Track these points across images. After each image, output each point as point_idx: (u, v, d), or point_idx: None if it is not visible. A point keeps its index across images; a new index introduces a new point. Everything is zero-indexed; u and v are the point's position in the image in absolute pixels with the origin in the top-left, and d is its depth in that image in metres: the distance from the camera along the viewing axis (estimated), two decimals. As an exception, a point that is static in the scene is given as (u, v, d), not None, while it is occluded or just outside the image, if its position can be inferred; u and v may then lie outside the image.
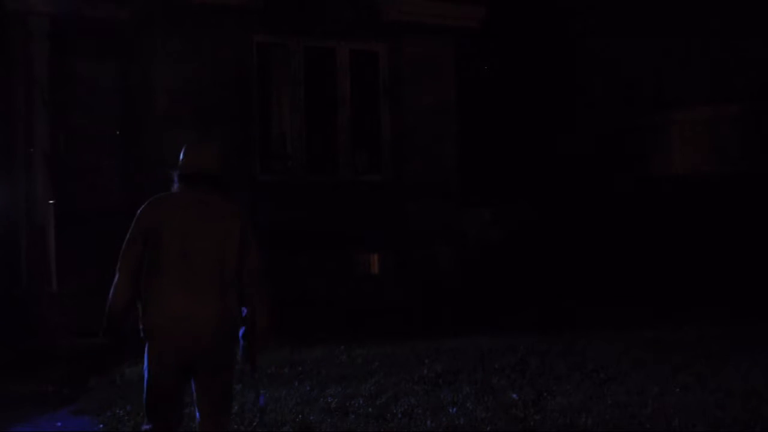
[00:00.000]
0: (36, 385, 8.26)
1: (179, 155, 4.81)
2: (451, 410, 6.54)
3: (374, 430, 6.22)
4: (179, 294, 4.49)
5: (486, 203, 15.56)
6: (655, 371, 7.71)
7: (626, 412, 6.36)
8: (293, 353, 8.88)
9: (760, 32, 14.36)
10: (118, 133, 11.17)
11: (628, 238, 14.49)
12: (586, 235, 14.84)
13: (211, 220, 4.64)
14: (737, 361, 7.95)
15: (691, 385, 7.14)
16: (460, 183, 12.94)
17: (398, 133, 12.41)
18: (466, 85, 14.51)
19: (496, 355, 8.51)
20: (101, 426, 6.61)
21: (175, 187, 4.76)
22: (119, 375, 8.26)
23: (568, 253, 14.46)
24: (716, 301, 11.73)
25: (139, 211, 4.67)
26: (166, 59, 10.94)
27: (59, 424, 6.90)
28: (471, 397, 6.89)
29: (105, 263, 5.83)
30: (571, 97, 16.53)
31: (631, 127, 15.97)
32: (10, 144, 10.80)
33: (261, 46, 11.72)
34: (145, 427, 4.64)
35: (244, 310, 4.66)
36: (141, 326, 4.56)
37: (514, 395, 6.89)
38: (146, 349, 4.58)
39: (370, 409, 6.65)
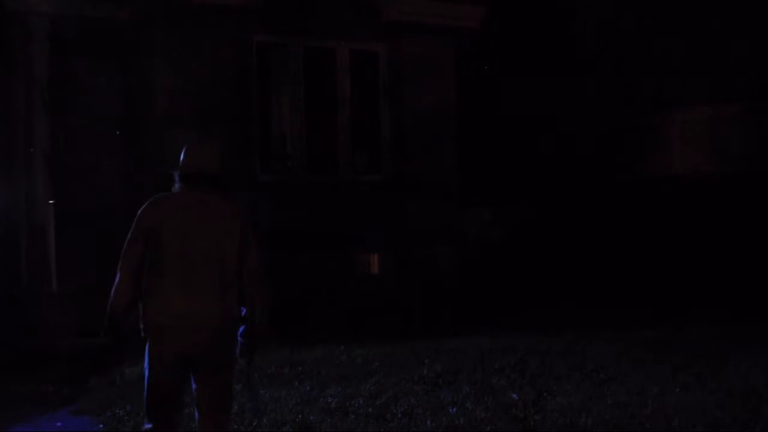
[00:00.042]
0: (36, 385, 8.26)
1: (179, 155, 4.82)
2: (451, 410, 6.54)
3: (374, 430, 6.22)
4: (180, 294, 4.50)
5: (486, 203, 15.56)
6: (655, 371, 7.71)
7: (626, 412, 6.36)
8: (293, 353, 8.89)
9: (760, 32, 14.36)
10: (118, 133, 11.17)
11: (628, 238, 14.49)
12: (586, 235, 14.84)
13: (211, 220, 4.65)
14: (737, 361, 7.95)
15: (691, 385, 7.14)
16: (460, 183, 12.94)
17: (398, 133, 12.41)
18: (466, 85, 14.51)
19: (495, 355, 8.51)
20: (101, 426, 6.61)
21: (176, 187, 4.78)
22: (119, 375, 8.26)
23: (568, 253, 14.46)
24: (716, 301, 11.73)
25: (139, 211, 4.67)
26: (166, 59, 10.93)
27: (59, 424, 6.90)
28: (471, 397, 6.89)
29: (105, 263, 5.84)
30: (570, 97, 16.52)
31: (631, 127, 15.97)
32: (10, 144, 10.79)
33: (261, 46, 11.72)
34: (146, 426, 4.65)
35: (244, 310, 4.67)
36: (142, 325, 4.57)
37: (514, 395, 6.90)
38: (147, 348, 4.60)
39: (370, 409, 6.65)
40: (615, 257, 14.14)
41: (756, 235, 13.40)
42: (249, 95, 11.52)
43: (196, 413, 4.71)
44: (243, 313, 4.67)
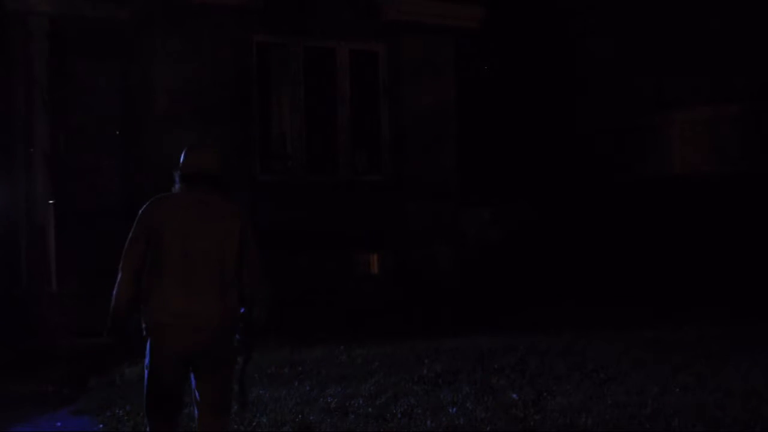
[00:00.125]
0: (36, 385, 8.26)
1: (179, 155, 4.83)
2: (450, 410, 6.54)
3: (374, 430, 6.22)
4: (180, 293, 4.52)
5: (486, 203, 15.56)
6: (655, 371, 7.71)
7: (626, 412, 6.36)
8: (293, 353, 8.89)
9: (760, 32, 14.36)
10: (118, 133, 11.17)
11: (628, 238, 14.49)
12: (585, 235, 14.84)
13: (211, 220, 4.66)
14: (737, 361, 7.95)
15: (691, 385, 7.13)
16: (460, 183, 12.95)
17: (398, 133, 12.42)
18: (466, 85, 14.51)
19: (495, 355, 8.51)
20: (101, 426, 6.61)
21: (176, 187, 4.78)
22: (119, 375, 8.26)
23: (567, 253, 14.47)
24: (716, 301, 11.73)
25: (140, 211, 4.69)
26: (166, 59, 10.93)
27: (59, 424, 6.90)
28: (471, 397, 6.89)
29: (105, 263, 5.84)
30: (570, 97, 16.52)
31: (631, 127, 15.96)
32: (10, 144, 10.79)
33: (261, 46, 11.72)
34: (148, 427, 4.67)
35: (243, 310, 4.68)
36: (143, 324, 4.59)
37: (514, 395, 6.90)
38: (148, 346, 4.61)
39: (369, 409, 6.65)
40: (615, 257, 14.14)
41: (756, 235, 13.40)
42: (249, 95, 11.53)
43: (196, 412, 4.73)
44: (242, 312, 4.68)
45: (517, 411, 6.46)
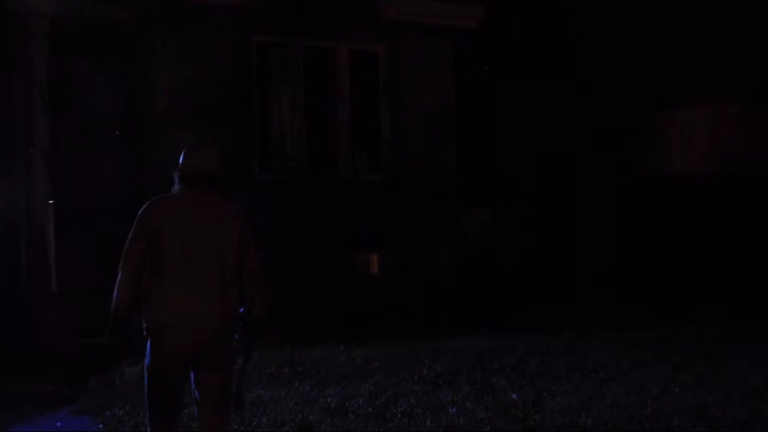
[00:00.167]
0: (36, 385, 8.27)
1: (179, 155, 4.83)
2: (450, 410, 6.53)
3: (374, 430, 6.22)
4: (180, 293, 4.53)
5: (486, 203, 15.54)
6: (655, 371, 7.71)
7: (626, 412, 6.36)
8: (293, 353, 8.89)
9: (760, 32, 14.36)
10: (118, 133, 11.17)
11: (627, 238, 14.49)
12: (585, 235, 14.84)
13: (211, 221, 4.66)
14: (737, 361, 7.95)
15: (691, 385, 7.13)
16: (460, 183, 12.94)
17: (398, 133, 12.42)
18: (466, 85, 14.50)
19: (495, 355, 8.51)
20: (101, 426, 6.61)
21: (176, 188, 4.78)
22: (119, 375, 8.26)
23: (567, 253, 14.46)
24: (716, 301, 11.73)
25: (140, 212, 4.69)
26: (166, 59, 10.94)
27: (59, 424, 6.91)
28: (471, 397, 6.89)
29: (105, 263, 5.84)
30: (570, 97, 16.52)
31: (631, 127, 15.96)
32: (10, 144, 10.79)
33: (261, 46, 11.72)
34: (149, 427, 4.68)
35: (242, 309, 4.69)
36: (144, 324, 4.59)
37: (514, 395, 6.89)
38: (148, 346, 4.62)
39: (369, 409, 6.65)
40: (614, 257, 14.14)
41: (756, 235, 13.40)
42: (249, 95, 11.53)
43: (196, 411, 4.74)
44: (242, 312, 4.69)
45: (517, 411, 6.46)
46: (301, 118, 11.90)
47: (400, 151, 12.40)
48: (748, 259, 13.07)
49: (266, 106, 11.97)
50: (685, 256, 13.59)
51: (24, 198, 10.62)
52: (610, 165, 15.86)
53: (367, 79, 12.37)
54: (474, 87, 15.68)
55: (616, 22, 16.21)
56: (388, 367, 8.18)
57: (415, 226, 12.28)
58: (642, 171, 15.53)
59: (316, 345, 9.36)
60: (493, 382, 7.40)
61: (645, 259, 13.91)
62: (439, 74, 12.68)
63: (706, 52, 14.89)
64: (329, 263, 11.64)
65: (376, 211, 12.05)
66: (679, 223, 14.23)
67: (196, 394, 4.70)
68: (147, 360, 4.62)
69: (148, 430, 4.71)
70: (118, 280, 4.60)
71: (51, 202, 10.43)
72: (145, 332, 4.61)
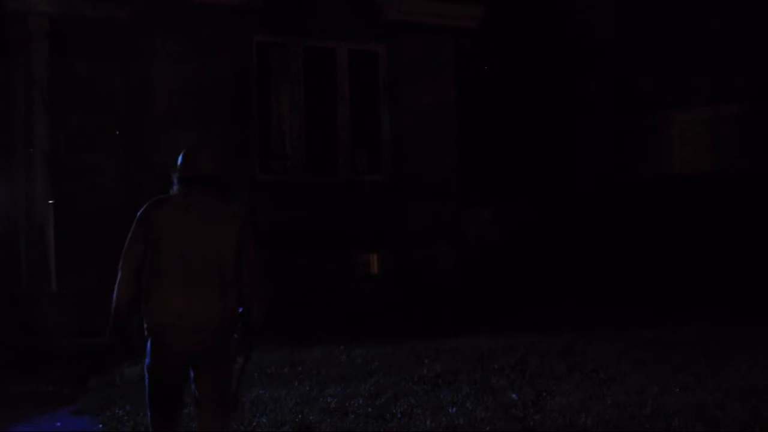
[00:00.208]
0: (36, 385, 8.26)
1: (179, 155, 4.82)
2: (450, 410, 6.54)
3: (374, 430, 6.22)
4: (180, 294, 4.54)
5: (486, 203, 15.55)
6: (654, 371, 7.71)
7: (626, 412, 6.36)
8: (293, 353, 8.89)
9: (760, 32, 14.36)
10: (118, 133, 11.16)
11: (628, 237, 14.49)
12: (585, 235, 14.84)
13: (210, 221, 4.67)
14: (737, 361, 7.94)
15: (691, 385, 7.13)
16: (460, 183, 12.94)
17: (398, 133, 12.42)
18: (466, 85, 14.51)
19: (495, 355, 8.51)
20: (101, 426, 6.61)
21: (175, 188, 4.78)
22: (119, 375, 8.26)
23: (567, 253, 14.46)
24: (716, 301, 11.73)
25: (139, 213, 4.69)
26: (166, 59, 10.93)
27: (59, 424, 6.91)
28: (470, 397, 6.89)
29: (105, 263, 5.84)
30: (570, 97, 16.52)
31: (631, 127, 15.98)
32: (10, 144, 10.79)
33: (261, 46, 11.72)
34: (150, 427, 4.69)
35: (242, 309, 4.69)
36: (145, 324, 4.60)
37: (514, 395, 6.90)
38: (148, 346, 4.62)
39: (369, 409, 6.65)
40: (615, 257, 14.14)
41: (756, 235, 13.40)
42: (249, 95, 11.53)
43: (196, 411, 4.75)
44: (241, 312, 4.69)
45: (516, 411, 6.46)
46: (301, 118, 11.90)
47: (400, 151, 12.40)
48: (748, 259, 13.07)
49: (266, 106, 11.97)
50: (685, 256, 13.59)
51: (24, 198, 10.62)
52: (610, 165, 15.87)
53: (367, 79, 12.37)
54: (474, 87, 15.69)
55: (615, 22, 16.22)
56: (388, 367, 8.18)
57: (415, 226, 12.28)
58: (642, 171, 15.55)
59: (316, 345, 9.36)
60: (493, 382, 7.40)
61: (645, 259, 13.91)
62: (439, 74, 12.68)
63: (706, 52, 14.90)
64: (329, 263, 11.64)
65: (376, 211, 12.05)
66: (679, 223, 14.23)
67: (196, 394, 4.71)
68: (147, 360, 4.63)
69: (149, 430, 4.72)
70: (117, 281, 4.61)
71: (51, 202, 10.43)
72: (145, 332, 4.62)
